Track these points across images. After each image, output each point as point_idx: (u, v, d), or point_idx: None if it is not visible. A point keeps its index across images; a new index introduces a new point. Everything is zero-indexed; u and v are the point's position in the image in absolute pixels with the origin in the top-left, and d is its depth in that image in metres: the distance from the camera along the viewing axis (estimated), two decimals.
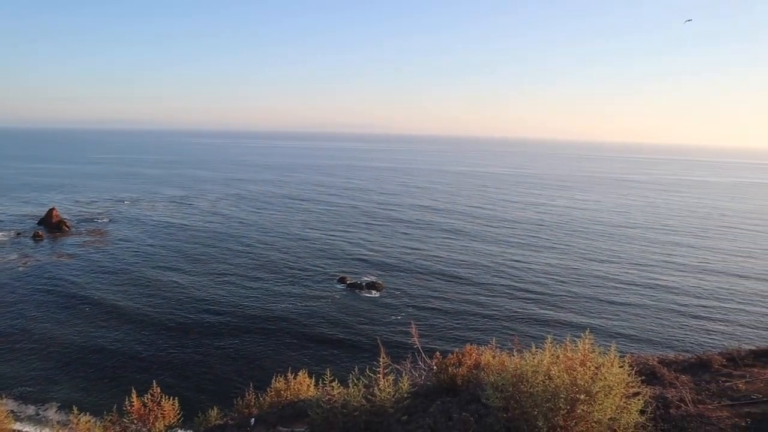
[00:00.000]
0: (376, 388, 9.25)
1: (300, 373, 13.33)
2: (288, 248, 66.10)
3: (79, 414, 13.31)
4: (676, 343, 39.36)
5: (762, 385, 10.74)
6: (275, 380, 13.33)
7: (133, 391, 12.10)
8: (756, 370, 12.34)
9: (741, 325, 43.97)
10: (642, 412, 7.73)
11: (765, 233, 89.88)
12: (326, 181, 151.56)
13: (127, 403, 11.95)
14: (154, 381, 11.95)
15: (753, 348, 14.67)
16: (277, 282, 52.78)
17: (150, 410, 12.01)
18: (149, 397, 11.56)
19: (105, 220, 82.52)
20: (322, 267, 58.41)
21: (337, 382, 9.79)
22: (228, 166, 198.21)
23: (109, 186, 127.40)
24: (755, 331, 42.75)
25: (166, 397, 12.13)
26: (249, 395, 13.74)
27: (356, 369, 10.11)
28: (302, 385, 13.30)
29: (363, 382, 9.60)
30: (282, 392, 13.18)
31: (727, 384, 11.10)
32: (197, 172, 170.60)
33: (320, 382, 10.78)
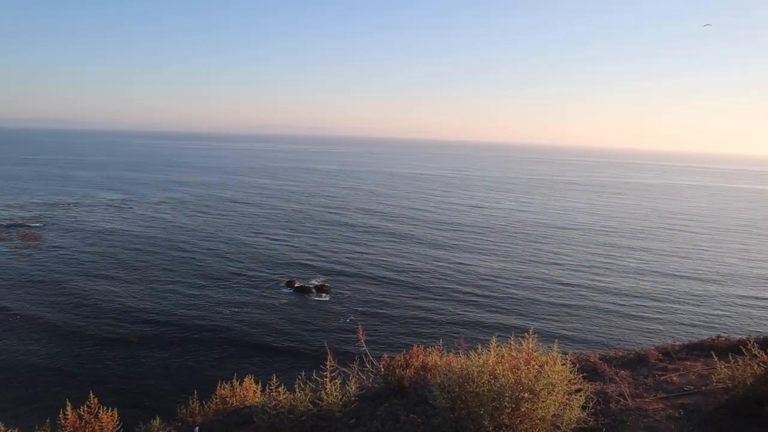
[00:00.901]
0: (323, 392, 9.15)
1: (246, 380, 13.06)
2: (232, 254, 64.45)
3: (7, 430, 12.60)
4: (617, 342, 40.71)
5: (694, 377, 11.23)
6: (220, 387, 13.02)
7: (68, 403, 11.51)
8: (689, 363, 12.91)
9: (676, 323, 45.97)
10: (583, 407, 7.93)
11: (695, 233, 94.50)
12: (271, 184, 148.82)
13: (61, 416, 11.35)
14: (90, 392, 11.41)
15: (686, 342, 15.36)
16: (221, 289, 51.39)
17: (87, 422, 11.46)
18: (85, 409, 11.04)
19: (37, 225, 78.44)
20: (267, 272, 57.33)
21: (283, 387, 9.64)
22: (169, 169, 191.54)
23: (42, 188, 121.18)
24: (689, 327, 44.75)
25: (105, 408, 11.62)
26: (193, 403, 13.38)
27: (303, 374, 9.98)
28: (248, 392, 13.04)
29: (310, 386, 9.49)
30: (227, 399, 12.88)
31: (662, 377, 11.57)
32: (136, 174, 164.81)
33: (267, 388, 10.59)
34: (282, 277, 55.63)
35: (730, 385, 8.95)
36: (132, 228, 78.60)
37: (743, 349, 9.77)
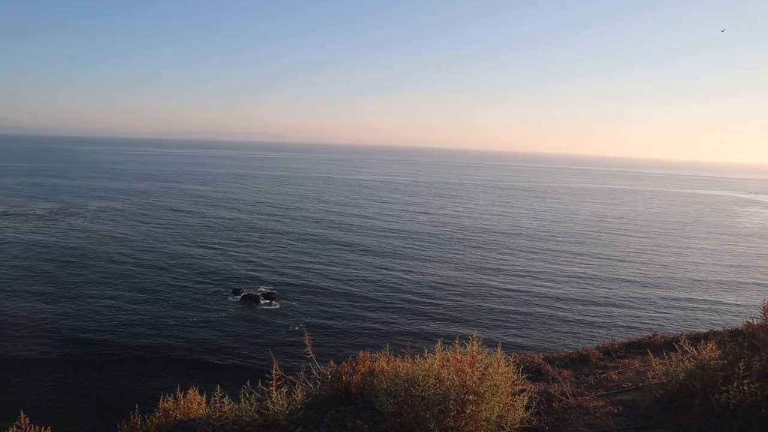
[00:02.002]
0: (268, 401, 9.02)
1: (190, 392, 12.69)
2: (173, 265, 62.10)
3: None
4: (562, 346, 41.64)
5: (632, 374, 11.66)
6: (163, 400, 12.61)
7: None
8: (627, 360, 13.41)
9: (618, 326, 47.38)
10: (527, 407, 8.10)
11: (634, 236, 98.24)
12: (215, 192, 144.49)
13: None
14: (21, 411, 10.84)
15: (625, 341, 15.94)
16: (163, 302, 49.45)
17: None
18: (14, 429, 10.49)
19: None
20: (212, 283, 55.68)
21: (228, 398, 9.43)
22: (108, 176, 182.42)
23: None
24: (629, 329, 46.18)
25: (37, 428, 11.06)
26: (134, 418, 12.90)
27: (249, 383, 9.80)
28: (192, 404, 12.67)
29: (255, 396, 9.33)
30: (171, 412, 12.49)
31: (603, 376, 11.96)
32: (73, 182, 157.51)
33: (211, 400, 10.33)
34: (227, 287, 54.15)
35: (664, 380, 9.33)
36: (65, 240, 73.86)
37: (676, 346, 10.20)
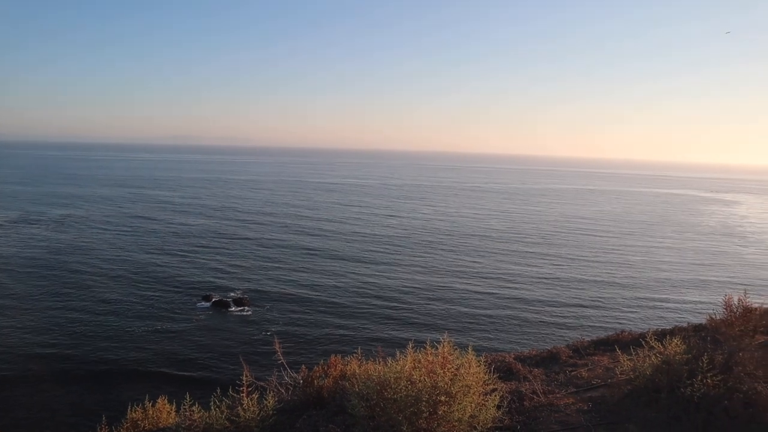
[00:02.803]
0: (239, 408, 8.90)
1: (159, 401, 12.45)
2: (139, 273, 60.21)
3: None
4: (532, 346, 41.88)
5: (601, 371, 11.85)
6: (131, 410, 12.35)
7: None
8: (597, 357, 13.64)
9: (586, 326, 48.00)
10: (499, 406, 8.16)
11: (601, 236, 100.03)
12: (180, 197, 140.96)
13: None
14: None
15: (594, 339, 16.21)
16: (130, 311, 47.99)
17: None
18: None
19: None
20: (180, 290, 54.51)
21: (198, 406, 9.29)
22: (70, 182, 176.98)
23: None
24: (598, 328, 46.88)
25: None
26: (101, 430, 12.62)
27: (219, 391, 9.66)
28: (162, 413, 12.43)
29: (226, 403, 9.20)
30: (139, 422, 12.23)
31: (573, 373, 12.13)
32: (32, 188, 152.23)
33: (181, 408, 10.16)
34: (196, 294, 53.17)
35: (632, 376, 9.51)
36: (24, 250, 70.61)
37: (643, 342, 10.40)
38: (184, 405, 9.63)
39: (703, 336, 11.16)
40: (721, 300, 11.17)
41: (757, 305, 11.18)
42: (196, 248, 75.34)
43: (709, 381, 7.95)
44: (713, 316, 11.38)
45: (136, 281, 57.62)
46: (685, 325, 15.46)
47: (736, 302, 10.80)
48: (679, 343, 9.40)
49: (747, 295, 10.99)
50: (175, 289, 55.07)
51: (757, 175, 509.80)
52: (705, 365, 8.19)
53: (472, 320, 48.80)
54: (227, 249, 75.66)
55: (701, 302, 55.38)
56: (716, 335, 10.46)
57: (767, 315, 11.59)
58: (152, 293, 53.52)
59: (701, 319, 14.52)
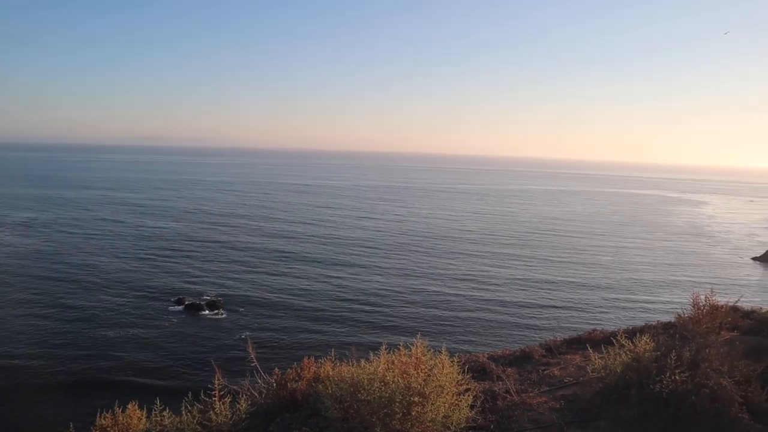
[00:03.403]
0: (211, 412, 8.77)
1: (129, 406, 12.22)
2: (109, 279, 58.66)
3: None
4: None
5: (573, 369, 11.98)
6: (100, 416, 12.10)
7: None
8: (569, 356, 13.78)
9: (559, 328, 48.43)
10: (472, 406, 8.18)
11: (573, 236, 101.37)
12: (145, 200, 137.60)
13: None
14: None
15: (566, 338, 16.38)
16: (99, 318, 46.72)
17: None
18: None
19: None
20: (150, 295, 53.50)
21: (168, 411, 9.13)
22: (34, 185, 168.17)
23: None
24: (569, 327, 47.35)
25: None
26: None
27: (191, 395, 9.51)
28: (132, 419, 12.20)
29: (198, 407, 9.06)
30: (108, 429, 11.99)
31: (545, 372, 12.24)
32: None
33: (152, 413, 9.98)
34: (168, 298, 52.26)
35: (603, 374, 9.62)
36: None
37: (614, 341, 10.54)
38: (154, 410, 9.46)
39: (672, 333, 11.34)
40: (689, 298, 11.38)
41: (723, 303, 11.42)
42: (167, 252, 74.01)
43: (677, 377, 8.08)
44: (681, 314, 11.59)
45: (106, 287, 56.20)
46: (654, 323, 15.71)
47: (703, 300, 11.00)
48: (648, 340, 9.55)
49: (713, 294, 11.21)
50: (146, 294, 54.05)
51: (723, 176, 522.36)
52: (673, 362, 8.33)
53: (446, 323, 48.86)
54: (199, 253, 74.43)
55: (671, 302, 56.48)
56: (684, 333, 10.63)
57: (733, 312, 11.86)
58: (122, 299, 52.35)
59: (671, 318, 14.79)
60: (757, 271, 79.00)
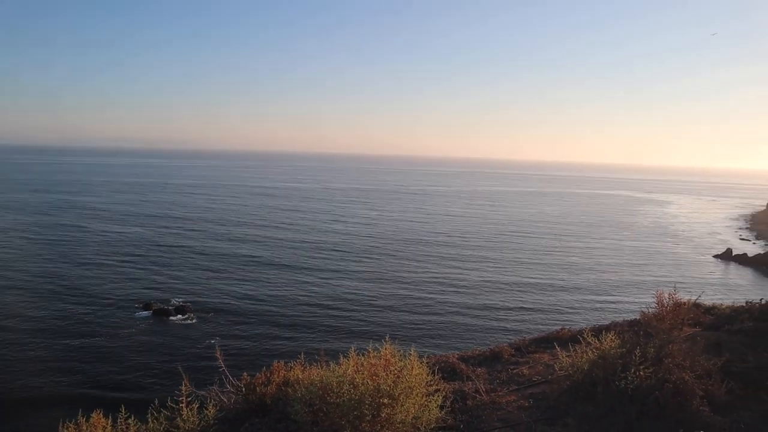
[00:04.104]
0: (178, 418, 8.63)
1: (93, 415, 11.94)
2: (70, 287, 56.42)
3: None
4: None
5: (541, 368, 12.12)
6: (63, 427, 11.79)
7: None
8: (537, 355, 13.95)
9: (528, 331, 48.76)
10: (442, 407, 8.21)
11: (542, 237, 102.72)
12: (108, 204, 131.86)
13: None
14: None
15: (535, 336, 16.59)
16: (61, 325, 45.03)
17: None
18: None
19: None
20: (114, 302, 51.76)
21: (133, 418, 8.95)
22: None
23: None
24: (539, 328, 47.79)
25: None
26: None
27: (157, 401, 9.34)
28: (96, 428, 11.92)
29: (164, 414, 8.91)
30: None
31: (514, 371, 12.36)
32: None
33: (118, 421, 9.76)
34: (132, 307, 50.54)
35: (570, 371, 9.77)
36: None
37: (581, 339, 10.71)
38: (120, 418, 9.26)
39: (637, 331, 11.60)
40: (654, 296, 11.65)
41: (685, 300, 11.72)
42: (132, 258, 71.52)
43: (641, 373, 8.25)
44: (646, 311, 11.85)
45: (68, 295, 53.90)
46: (620, 321, 16.02)
47: (666, 297, 11.27)
48: (614, 338, 9.73)
49: (677, 291, 11.49)
50: (111, 302, 52.09)
51: (686, 176, 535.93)
52: (638, 358, 8.50)
53: (417, 327, 48.49)
54: (166, 259, 72.19)
55: (636, 302, 57.43)
56: (648, 329, 10.86)
57: (695, 309, 12.16)
58: (86, 308, 50.22)
59: (636, 315, 15.10)
60: (718, 268, 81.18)
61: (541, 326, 48.88)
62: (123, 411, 8.91)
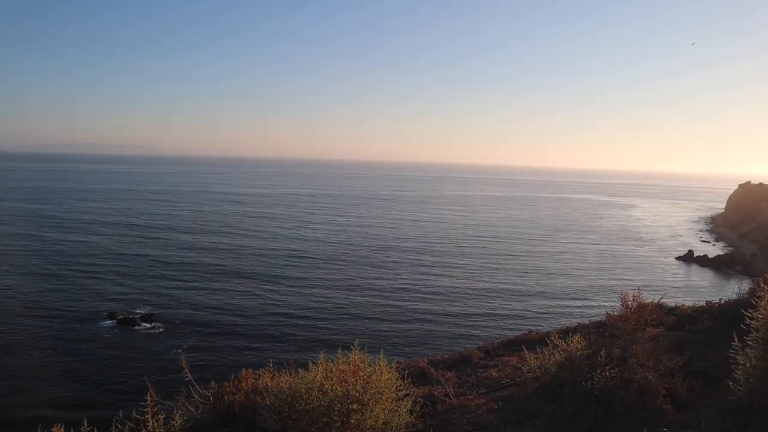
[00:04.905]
0: (143, 429, 8.44)
1: (54, 429, 11.60)
2: (28, 297, 54.33)
3: None
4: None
5: (510, 370, 12.24)
6: None
7: None
8: (506, 358, 14.09)
9: (496, 336, 48.89)
10: (411, 411, 8.22)
11: (508, 242, 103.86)
12: (67, 212, 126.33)
13: None
14: None
15: (504, 340, 16.76)
16: (16, 345, 42.57)
17: None
18: None
19: None
20: (77, 313, 50.18)
21: (96, 430, 8.70)
22: None
23: None
24: (509, 331, 48.10)
25: None
26: None
27: (122, 413, 9.10)
28: None
29: (129, 426, 8.69)
30: None
31: (483, 374, 12.46)
32: None
33: None
34: (96, 318, 49.00)
35: (538, 374, 9.90)
36: None
37: (548, 341, 10.85)
38: (82, 429, 9.00)
39: (602, 332, 11.80)
40: (619, 298, 11.88)
41: (649, 301, 11.98)
42: (93, 269, 68.52)
43: (607, 374, 8.40)
44: (611, 313, 12.08)
45: (25, 309, 51.22)
46: (586, 322, 16.29)
47: (631, 299, 11.51)
48: (580, 339, 9.88)
49: (640, 292, 11.75)
50: (72, 315, 50.02)
51: (649, 180, 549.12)
52: (603, 359, 8.65)
53: (386, 335, 47.80)
54: (129, 269, 69.58)
55: (602, 305, 58.27)
56: (614, 330, 11.08)
57: (658, 309, 12.44)
58: (45, 322, 47.93)
59: (602, 317, 15.39)
60: (680, 270, 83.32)
61: (509, 331, 49.02)
62: (85, 423, 8.66)
